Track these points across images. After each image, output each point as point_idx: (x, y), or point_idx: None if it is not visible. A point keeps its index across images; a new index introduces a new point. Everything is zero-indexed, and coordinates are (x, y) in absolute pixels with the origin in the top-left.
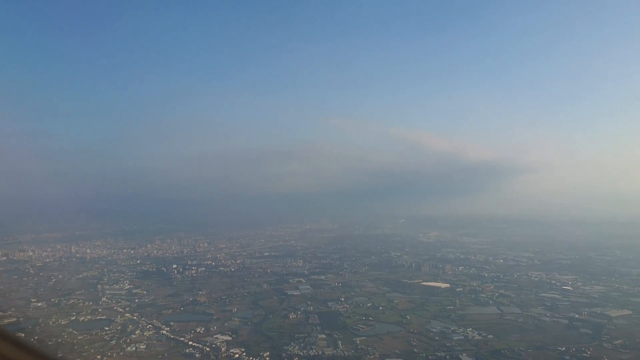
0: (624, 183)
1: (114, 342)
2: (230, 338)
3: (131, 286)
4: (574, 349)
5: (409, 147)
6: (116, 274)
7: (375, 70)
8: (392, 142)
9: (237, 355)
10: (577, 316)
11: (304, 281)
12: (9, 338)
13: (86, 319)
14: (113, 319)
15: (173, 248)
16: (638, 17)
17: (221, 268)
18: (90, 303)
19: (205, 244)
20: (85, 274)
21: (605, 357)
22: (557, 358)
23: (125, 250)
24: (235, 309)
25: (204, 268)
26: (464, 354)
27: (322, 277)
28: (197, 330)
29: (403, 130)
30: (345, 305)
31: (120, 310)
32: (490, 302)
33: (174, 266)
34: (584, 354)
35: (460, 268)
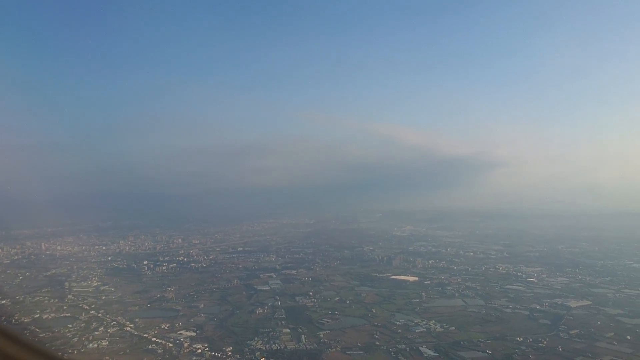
0: (595, 176)
1: (76, 339)
2: (194, 334)
3: (99, 283)
4: (530, 339)
5: (384, 141)
6: (85, 271)
7: (350, 65)
8: (367, 137)
9: (199, 351)
10: (538, 307)
11: (274, 276)
12: (9, 336)
13: (50, 317)
14: (77, 316)
15: (146, 244)
16: (611, 14)
17: (192, 264)
18: (56, 300)
19: (180, 240)
20: (54, 271)
21: (559, 346)
22: (513, 348)
23: (97, 247)
24: (203, 305)
25: (175, 264)
26: (424, 346)
27: (294, 271)
28: (162, 327)
29: (378, 125)
30: (313, 299)
31: (86, 307)
32: (456, 294)
33: (145, 262)
34: (540, 344)
35: (430, 261)
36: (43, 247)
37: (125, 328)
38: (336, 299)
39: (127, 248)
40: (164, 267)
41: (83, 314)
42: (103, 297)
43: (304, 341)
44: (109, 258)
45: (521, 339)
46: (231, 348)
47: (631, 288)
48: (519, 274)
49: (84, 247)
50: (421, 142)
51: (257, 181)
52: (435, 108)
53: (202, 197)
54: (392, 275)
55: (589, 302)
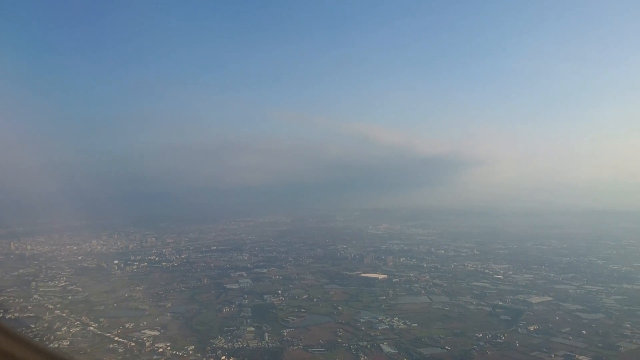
0: (567, 175)
1: (36, 340)
2: (158, 333)
3: (67, 283)
4: (490, 335)
5: (361, 140)
6: (54, 271)
7: (325, 65)
8: (344, 136)
9: (160, 350)
10: (500, 303)
11: (245, 275)
12: (10, 334)
13: (13, 317)
14: (41, 316)
15: (119, 243)
16: (580, 16)
17: (164, 263)
18: (21, 300)
19: (153, 239)
20: (21, 270)
21: (517, 342)
22: (472, 344)
23: (68, 247)
24: (170, 304)
25: (146, 263)
26: (385, 343)
27: (265, 270)
28: (126, 326)
29: (354, 125)
30: (281, 297)
31: (51, 307)
32: (423, 291)
33: (116, 262)
34: (498, 340)
35: (401, 259)
36: (12, 246)
37: (88, 328)
38: (304, 297)
39: (99, 247)
40: (135, 267)
41: (47, 314)
42: (69, 297)
43: (267, 339)
44: (80, 257)
45: (481, 335)
46: (193, 347)
47: (592, 284)
48: (486, 271)
49: (54, 247)
50: (398, 141)
51: (235, 180)
52: (411, 108)
53: (179, 195)
54: (361, 273)
55: (550, 298)
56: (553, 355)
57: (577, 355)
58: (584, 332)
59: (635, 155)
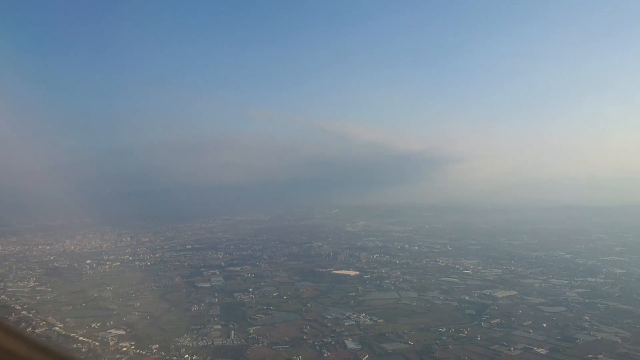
0: (543, 171)
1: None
2: (124, 332)
3: (36, 283)
4: (453, 330)
5: (338, 138)
6: (24, 271)
7: (299, 64)
8: (320, 134)
9: (124, 349)
10: (467, 298)
11: (218, 273)
12: (11, 332)
13: None
14: (7, 316)
15: (93, 243)
16: (559, 14)
17: (137, 262)
18: None
19: (128, 238)
20: None
21: (479, 335)
22: (435, 338)
23: (40, 247)
24: (139, 304)
25: (119, 263)
26: (349, 339)
27: (238, 268)
28: (92, 326)
29: (331, 123)
30: (252, 295)
31: (18, 307)
32: (392, 287)
33: (88, 262)
34: (461, 334)
35: (375, 256)
36: None
37: (54, 328)
38: (274, 294)
39: (72, 247)
40: (107, 266)
41: (13, 315)
42: (38, 297)
43: (233, 337)
44: (52, 258)
45: (444, 330)
46: (158, 345)
47: (558, 278)
48: (456, 266)
49: (26, 247)
50: (376, 138)
51: (214, 178)
52: (388, 106)
53: (156, 194)
54: (334, 270)
55: (516, 293)
56: (512, 348)
57: (535, 348)
58: (545, 325)
59: (608, 152)
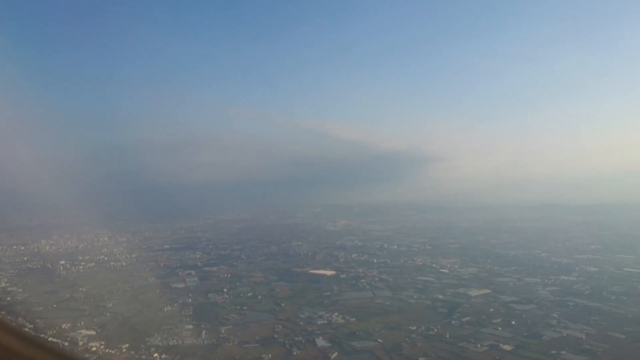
0: (525, 169)
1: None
2: (94, 333)
3: (7, 284)
4: (423, 328)
5: (319, 137)
6: None
7: (278, 62)
8: (301, 133)
9: (94, 349)
10: (441, 297)
11: (193, 273)
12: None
13: None
14: None
15: (69, 243)
16: (537, 14)
17: (112, 263)
18: None
19: (106, 238)
20: None
21: (448, 333)
22: (405, 337)
23: (14, 247)
24: (111, 304)
25: (94, 263)
26: (320, 337)
27: (215, 268)
28: (63, 327)
29: (311, 121)
30: (226, 296)
31: None
32: (368, 287)
33: (62, 262)
34: (431, 332)
35: (353, 255)
36: None
37: (23, 329)
38: (249, 294)
39: (47, 247)
40: (81, 267)
41: None
42: (8, 299)
43: (204, 336)
44: (25, 258)
45: (415, 328)
46: (127, 345)
47: (532, 276)
48: (433, 265)
49: (0, 247)
50: (357, 137)
51: (195, 177)
52: (369, 105)
53: (136, 194)
54: (311, 270)
55: (489, 291)
56: (479, 345)
57: (501, 345)
58: (514, 322)
59: (587, 152)
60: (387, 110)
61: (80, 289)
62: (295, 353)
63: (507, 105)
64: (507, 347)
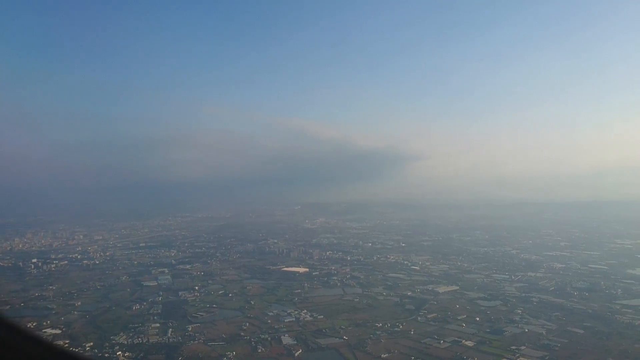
0: (501, 168)
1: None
2: (59, 331)
3: None
4: (389, 324)
5: (298, 135)
6: None
7: (255, 61)
8: (279, 131)
9: None
10: (409, 294)
11: (166, 271)
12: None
13: None
14: None
15: (43, 241)
16: (516, 15)
17: (85, 261)
18: None
19: (81, 236)
20: None
21: (412, 330)
22: (370, 333)
23: None
24: (80, 303)
25: (66, 262)
26: (286, 335)
27: (188, 266)
28: (28, 326)
29: (288, 120)
30: (197, 294)
31: None
32: (339, 284)
33: (34, 260)
34: (396, 328)
35: (328, 253)
36: None
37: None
38: (220, 292)
39: (20, 245)
40: (53, 265)
41: None
42: None
43: (170, 334)
44: None
45: (380, 325)
46: (92, 343)
47: (500, 273)
48: (405, 262)
49: None
50: (336, 136)
51: (173, 175)
52: (347, 104)
53: (115, 191)
54: (284, 268)
55: (457, 288)
56: (442, 342)
57: (463, 341)
58: (478, 318)
59: (561, 150)
60: (365, 109)
61: (50, 287)
62: (259, 350)
63: (484, 105)
64: (469, 343)
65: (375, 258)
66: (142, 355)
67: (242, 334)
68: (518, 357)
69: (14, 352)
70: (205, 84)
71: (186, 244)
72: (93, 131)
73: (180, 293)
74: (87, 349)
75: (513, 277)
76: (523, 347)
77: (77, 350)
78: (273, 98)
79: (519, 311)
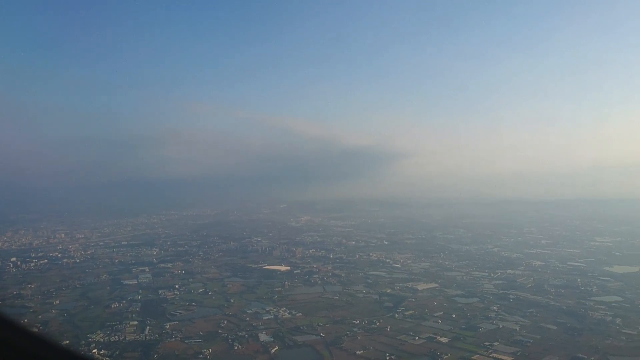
0: (488, 166)
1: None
2: (35, 330)
3: None
4: (366, 321)
5: (283, 133)
6: None
7: (240, 59)
8: (265, 129)
9: None
10: (389, 291)
11: (147, 270)
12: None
13: None
14: None
15: (23, 240)
16: (502, 13)
17: (65, 260)
18: None
19: (63, 235)
20: None
21: (389, 327)
22: (347, 330)
23: None
24: (58, 302)
25: (46, 260)
26: (263, 332)
27: (170, 265)
28: None
29: (273, 118)
30: (177, 292)
31: None
32: (319, 282)
33: (13, 259)
34: (373, 325)
35: (311, 251)
36: None
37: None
38: (200, 291)
39: (0, 244)
40: (33, 264)
41: None
42: None
43: (147, 332)
44: None
45: (358, 322)
46: (68, 341)
47: (480, 270)
48: (387, 260)
49: None
50: (322, 134)
51: (158, 173)
52: (333, 102)
53: (99, 189)
54: (266, 266)
55: (437, 285)
56: (417, 338)
57: (438, 337)
58: (454, 315)
59: (546, 149)
60: (352, 107)
61: (29, 285)
62: (236, 348)
63: (471, 103)
64: (443, 340)
65: (357, 256)
66: (117, 353)
67: (219, 331)
68: (491, 353)
69: (14, 350)
70: (191, 82)
71: (169, 243)
72: (78, 129)
73: (160, 291)
74: None
75: (492, 275)
76: (496, 343)
77: None
78: (259, 96)
79: (495, 308)
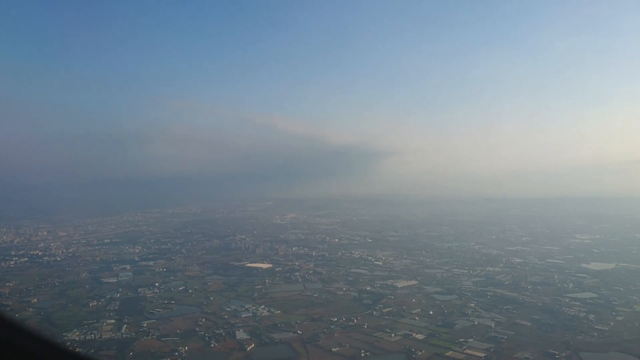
0: (472, 165)
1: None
2: None
3: None
4: (344, 319)
5: (268, 131)
6: None
7: (224, 55)
8: (249, 127)
9: None
10: (368, 288)
11: (128, 268)
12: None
13: None
14: None
15: (5, 237)
16: (494, 9)
17: (46, 258)
18: None
19: (45, 233)
20: None
21: (366, 324)
22: (324, 327)
23: None
24: (36, 300)
25: (26, 258)
26: (241, 330)
27: (151, 263)
28: None
29: (258, 115)
30: (156, 290)
31: None
32: (300, 279)
33: None
34: (350, 323)
35: (294, 248)
36: None
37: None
38: (180, 288)
39: None
40: (12, 262)
41: None
42: None
43: (124, 331)
44: None
45: (336, 319)
46: None
47: (460, 268)
48: (369, 258)
49: None
50: (308, 132)
51: (144, 170)
52: (317, 100)
53: (83, 187)
54: (248, 264)
55: (416, 282)
56: (393, 335)
57: (414, 334)
58: (431, 312)
59: (530, 147)
60: (337, 106)
61: (8, 284)
62: (212, 345)
63: (457, 102)
64: (419, 336)
65: (340, 254)
66: (92, 351)
67: (197, 329)
68: (465, 349)
69: (14, 350)
70: (176, 79)
71: (152, 240)
72: (63, 126)
73: (139, 290)
74: None
75: (472, 272)
76: (471, 340)
77: None
78: (247, 95)
79: (473, 305)
